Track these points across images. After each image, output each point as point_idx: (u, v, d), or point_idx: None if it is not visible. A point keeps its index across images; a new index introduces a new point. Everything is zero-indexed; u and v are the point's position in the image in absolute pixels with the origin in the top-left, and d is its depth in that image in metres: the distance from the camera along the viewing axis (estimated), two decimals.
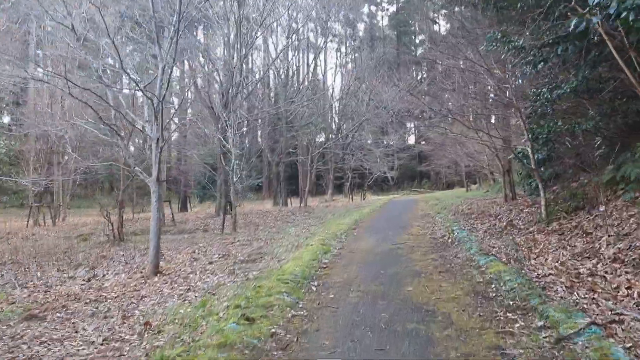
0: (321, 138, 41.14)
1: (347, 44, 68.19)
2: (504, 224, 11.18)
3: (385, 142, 54.59)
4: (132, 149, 21.69)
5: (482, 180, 36.46)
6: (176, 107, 25.80)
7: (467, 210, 15.81)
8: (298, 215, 22.31)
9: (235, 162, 17.05)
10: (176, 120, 23.76)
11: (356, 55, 64.85)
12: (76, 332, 5.32)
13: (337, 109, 44.85)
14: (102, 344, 4.78)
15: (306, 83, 33.25)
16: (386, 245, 9.88)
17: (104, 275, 9.17)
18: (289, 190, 42.74)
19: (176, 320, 5.37)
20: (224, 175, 27.70)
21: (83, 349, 4.65)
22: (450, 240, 9.84)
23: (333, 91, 46.45)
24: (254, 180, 36.20)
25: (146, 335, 4.95)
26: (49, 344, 4.87)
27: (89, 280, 8.78)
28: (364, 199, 38.71)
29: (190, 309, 5.87)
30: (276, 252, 10.43)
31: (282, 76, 32.08)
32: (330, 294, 6.00)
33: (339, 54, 67.01)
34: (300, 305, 5.53)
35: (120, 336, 5.03)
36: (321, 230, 13.86)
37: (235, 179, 16.44)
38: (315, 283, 6.68)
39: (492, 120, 18.07)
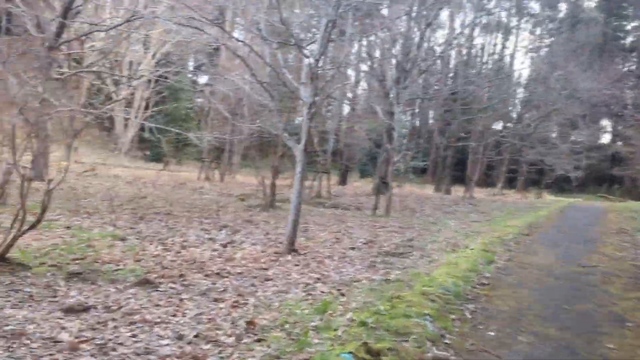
0: (499, 126, 37.70)
1: (544, 26, 61.64)
2: None
3: (573, 138, 48.56)
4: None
5: None
6: (349, 78, 25.11)
7: None
8: (461, 206, 20.29)
9: (398, 140, 15.64)
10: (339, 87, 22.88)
11: (552, 39, 58.31)
12: (175, 314, 4.53)
13: (521, 95, 40.66)
14: (190, 342, 3.88)
15: (490, 64, 30.15)
16: (570, 266, 7.79)
17: (241, 243, 8.60)
18: (454, 177, 40.18)
19: (286, 326, 4.28)
20: (386, 154, 26.56)
21: (167, 344, 3.78)
22: None
23: (520, 76, 42.03)
24: (419, 162, 34.54)
25: (243, 341, 3.92)
26: (137, 326, 4.12)
27: (225, 246, 8.26)
28: (539, 198, 34.75)
29: (309, 310, 4.76)
30: (428, 249, 8.95)
31: (465, 56, 29.46)
32: (491, 331, 4.41)
33: (532, 37, 61.00)
34: (446, 342, 4.05)
35: (216, 334, 4.09)
36: (485, 230, 11.95)
37: (396, 159, 15.03)
38: (471, 307, 5.12)
39: None
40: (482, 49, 51.79)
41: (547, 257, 8.37)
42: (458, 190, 37.37)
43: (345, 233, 10.60)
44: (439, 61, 31.03)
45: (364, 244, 9.25)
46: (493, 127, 34.41)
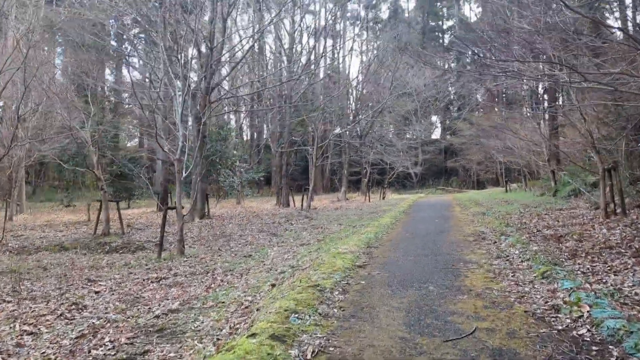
0: (337, 129, 35.33)
1: (370, 29, 61.93)
2: None
3: (408, 135, 48.41)
4: None
5: (526, 179, 29.97)
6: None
7: (549, 231, 9.72)
8: (295, 222, 16.46)
9: (186, 150, 11.32)
10: None
11: (379, 42, 58.53)
12: None
13: (354, 95, 38.79)
14: None
15: (313, 59, 27.15)
16: (432, 331, 4.02)
17: None
18: (299, 187, 37.03)
19: None
20: (164, 168, 22.19)
21: None
22: (591, 336, 3.93)
23: (348, 74, 40.19)
24: (254, 174, 30.53)
25: None
26: None
27: None
28: (383, 199, 32.70)
29: None
30: (197, 328, 4.63)
31: (286, 49, 26.04)
32: None
33: (359, 40, 60.88)
34: None
35: None
36: (309, 260, 8.02)
37: (185, 174, 10.55)
38: None
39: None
40: (312, 50, 49.88)
41: (393, 318, 4.51)
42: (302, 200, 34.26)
43: (74, 307, 5.88)
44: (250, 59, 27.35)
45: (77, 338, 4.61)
46: (329, 128, 31.65)
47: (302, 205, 21.24)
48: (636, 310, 4.38)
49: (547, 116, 31.15)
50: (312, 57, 35.41)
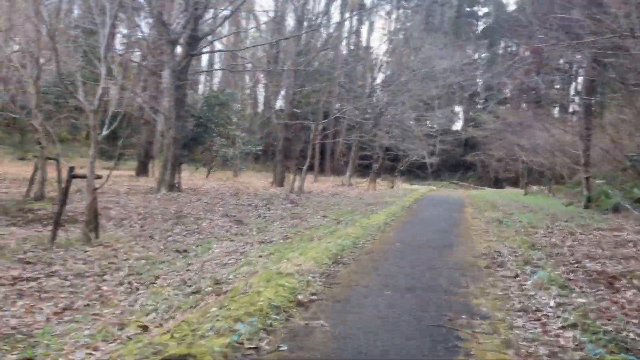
0: (337, 104, 32.32)
1: (399, 8, 58.16)
2: None
3: (428, 122, 45.21)
4: None
5: (550, 183, 26.75)
6: None
7: (594, 265, 6.84)
8: (273, 207, 13.80)
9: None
10: None
11: (409, 24, 54.82)
12: None
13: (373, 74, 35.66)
14: None
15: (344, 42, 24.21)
16: None
17: None
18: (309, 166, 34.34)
19: None
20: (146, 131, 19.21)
21: None
22: None
23: (370, 51, 36.87)
24: (253, 146, 27.85)
25: None
26: None
27: None
28: (392, 187, 29.89)
29: None
30: None
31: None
32: None
33: (388, 19, 57.33)
34: None
35: None
36: (243, 274, 5.43)
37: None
38: None
39: None
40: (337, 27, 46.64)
41: None
42: (307, 179, 31.75)
43: None
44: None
45: None
46: (340, 107, 28.69)
47: (292, 186, 18.53)
48: None
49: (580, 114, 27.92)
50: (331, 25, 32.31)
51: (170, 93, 14.98)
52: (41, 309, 4.35)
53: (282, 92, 29.05)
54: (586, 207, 15.33)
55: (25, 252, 6.34)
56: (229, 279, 5.40)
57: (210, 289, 5.00)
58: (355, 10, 47.03)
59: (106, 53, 7.77)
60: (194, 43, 15.21)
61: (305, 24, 21.62)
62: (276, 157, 22.80)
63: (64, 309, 4.39)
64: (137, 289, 5.18)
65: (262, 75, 36.07)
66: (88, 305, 4.52)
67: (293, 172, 18.60)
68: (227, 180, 24.13)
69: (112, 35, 19.21)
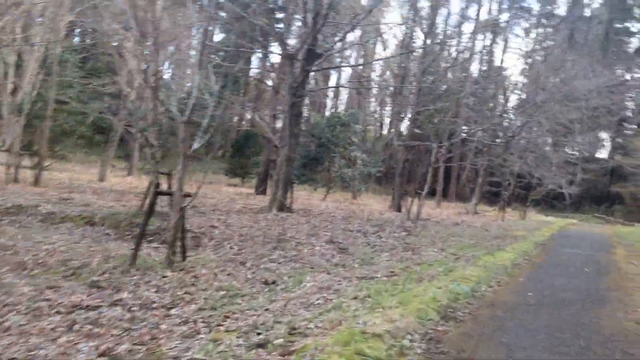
0: (463, 127, 30.01)
1: (539, 27, 53.96)
2: None
3: (567, 148, 40.82)
4: None
5: None
6: None
7: None
8: (385, 235, 12.60)
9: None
10: None
11: (550, 42, 50.50)
12: None
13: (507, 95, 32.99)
14: None
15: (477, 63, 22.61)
16: None
17: None
18: (432, 190, 32.54)
19: None
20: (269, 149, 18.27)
21: None
22: None
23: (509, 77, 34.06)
24: (372, 167, 26.85)
25: None
26: None
27: None
28: (523, 218, 27.03)
29: None
30: None
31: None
32: None
33: (527, 39, 53.47)
34: None
35: None
36: (324, 325, 4.36)
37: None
38: None
39: None
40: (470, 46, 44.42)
41: None
42: (428, 205, 30.06)
43: None
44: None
45: None
46: (468, 128, 26.66)
47: (409, 210, 17.09)
48: None
49: None
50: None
51: (286, 110, 14.58)
52: (79, 350, 3.65)
53: (408, 114, 27.85)
54: None
55: (102, 273, 5.88)
56: (308, 328, 4.36)
57: (280, 341, 4.00)
58: (489, 28, 44.47)
59: (200, 60, 7.30)
60: (311, 59, 14.69)
61: (429, 41, 20.28)
62: (395, 180, 21.54)
63: (102, 353, 3.66)
64: (199, 331, 4.34)
65: (388, 97, 35.21)
66: (131, 350, 3.76)
67: (412, 196, 17.29)
68: (343, 202, 23.38)
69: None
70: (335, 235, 11.74)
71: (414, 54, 23.94)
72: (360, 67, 23.45)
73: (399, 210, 19.99)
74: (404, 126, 22.36)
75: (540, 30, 54.10)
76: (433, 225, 16.02)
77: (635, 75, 53.62)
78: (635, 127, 47.84)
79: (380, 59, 24.53)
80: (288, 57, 14.16)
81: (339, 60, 26.52)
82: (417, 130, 20.85)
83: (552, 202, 40.43)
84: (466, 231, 15.39)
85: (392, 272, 8.18)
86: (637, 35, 53.55)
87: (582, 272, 9.08)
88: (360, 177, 25.80)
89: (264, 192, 21.66)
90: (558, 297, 6.69)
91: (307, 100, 31.41)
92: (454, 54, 22.98)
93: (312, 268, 8.23)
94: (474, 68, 45.06)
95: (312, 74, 16.27)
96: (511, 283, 7.51)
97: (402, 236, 12.66)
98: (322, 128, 24.55)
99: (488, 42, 48.57)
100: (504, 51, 51.39)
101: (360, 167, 25.91)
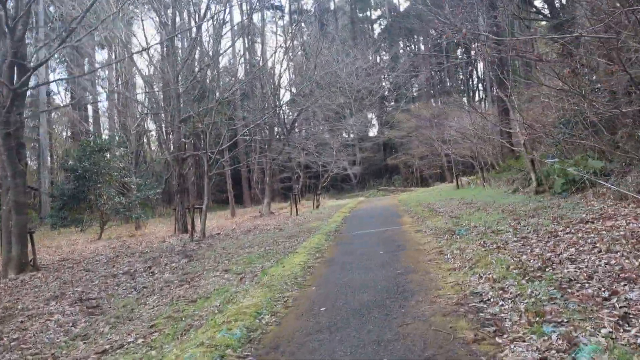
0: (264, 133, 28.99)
1: (292, 22, 55.99)
2: None
3: (343, 133, 42.90)
4: None
5: (483, 171, 24.75)
6: None
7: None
8: (160, 268, 10.25)
9: None
10: None
11: (304, 38, 52.55)
12: None
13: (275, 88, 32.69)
14: None
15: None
16: None
17: None
18: (223, 201, 30.51)
19: None
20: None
21: None
22: None
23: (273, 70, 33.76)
24: (149, 189, 23.84)
25: None
26: None
27: None
28: (317, 207, 26.90)
29: None
30: None
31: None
32: None
33: (282, 37, 54.96)
34: None
35: None
36: None
37: None
38: None
39: None
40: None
41: None
42: (223, 216, 28.26)
43: None
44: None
45: None
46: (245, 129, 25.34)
47: (191, 229, 14.87)
48: None
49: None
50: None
51: (0, 144, 11.06)
52: None
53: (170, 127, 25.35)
54: (537, 192, 12.97)
55: None
56: None
57: None
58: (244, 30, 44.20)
59: None
60: (20, 76, 11.42)
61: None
62: (175, 199, 19.03)
63: None
64: None
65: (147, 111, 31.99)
66: None
67: (192, 214, 15.16)
68: (121, 238, 20.00)
69: None
70: (89, 288, 8.98)
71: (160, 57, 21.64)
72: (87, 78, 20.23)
73: (185, 231, 17.63)
74: (173, 139, 19.92)
75: (295, 26, 56.28)
76: (220, 241, 14.08)
77: (384, 57, 59.43)
78: (394, 103, 52.78)
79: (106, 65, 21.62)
80: None
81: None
82: (184, 140, 18.63)
83: (341, 186, 42.14)
84: (257, 238, 13.81)
85: (153, 326, 5.99)
86: (378, 22, 59.21)
87: (377, 257, 8.03)
88: (138, 204, 22.62)
89: None
90: (354, 305, 5.25)
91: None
92: (210, 55, 21.27)
93: (37, 354, 5.62)
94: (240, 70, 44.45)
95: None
96: (301, 299, 5.91)
97: (181, 265, 10.43)
98: (78, 158, 20.71)
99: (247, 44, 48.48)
100: (264, 50, 52.01)
101: (135, 193, 22.75)
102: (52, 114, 41.67)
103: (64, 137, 40.96)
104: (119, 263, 11.63)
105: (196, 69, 18.96)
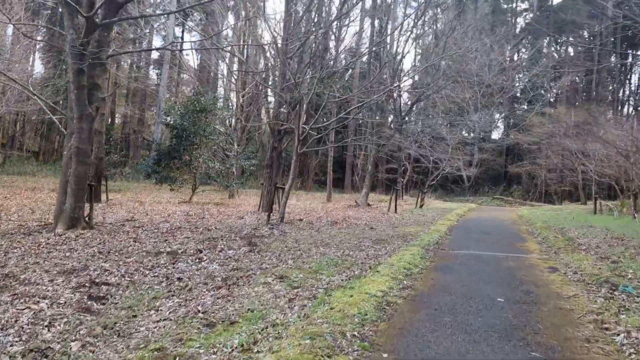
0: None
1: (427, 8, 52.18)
2: None
3: (464, 129, 39.02)
4: None
5: (636, 198, 20.14)
6: None
7: None
8: (211, 255, 8.33)
9: None
10: None
11: (437, 25, 48.71)
12: None
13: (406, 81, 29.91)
14: None
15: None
16: None
17: None
18: (336, 181, 28.72)
19: None
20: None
21: None
22: None
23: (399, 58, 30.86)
24: (245, 160, 22.50)
25: None
26: None
27: None
28: (420, 207, 24.06)
29: None
30: None
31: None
32: None
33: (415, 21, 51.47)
34: None
35: None
36: None
37: None
38: None
39: None
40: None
41: None
42: (319, 199, 26.59)
43: None
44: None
45: None
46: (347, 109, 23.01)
47: (268, 215, 12.95)
48: None
49: None
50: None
51: (71, 80, 9.87)
52: None
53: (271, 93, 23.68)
54: None
55: None
56: None
57: None
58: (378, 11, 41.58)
59: None
60: (109, 7, 10.05)
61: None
62: (263, 173, 17.30)
63: None
64: None
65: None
66: None
67: (275, 194, 13.26)
68: (208, 204, 18.80)
69: None
70: (115, 268, 7.23)
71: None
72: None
73: (270, 209, 15.83)
74: (274, 107, 18.18)
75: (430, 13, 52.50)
76: (299, 230, 11.97)
77: (523, 56, 53.72)
78: (525, 106, 47.46)
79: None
80: (64, 3, 9.45)
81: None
82: (283, 110, 16.72)
83: (451, 187, 38.51)
84: (340, 234, 11.50)
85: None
86: (524, 15, 53.64)
87: (493, 309, 5.32)
88: (232, 172, 21.38)
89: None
90: None
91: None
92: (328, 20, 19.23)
93: None
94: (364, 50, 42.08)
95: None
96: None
97: (238, 255, 8.42)
98: (180, 115, 19.80)
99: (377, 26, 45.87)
100: (400, 34, 49.05)
101: (232, 160, 21.52)
102: (180, 75, 42.59)
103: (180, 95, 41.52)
104: (175, 236, 9.96)
105: (312, 36, 16.92)
